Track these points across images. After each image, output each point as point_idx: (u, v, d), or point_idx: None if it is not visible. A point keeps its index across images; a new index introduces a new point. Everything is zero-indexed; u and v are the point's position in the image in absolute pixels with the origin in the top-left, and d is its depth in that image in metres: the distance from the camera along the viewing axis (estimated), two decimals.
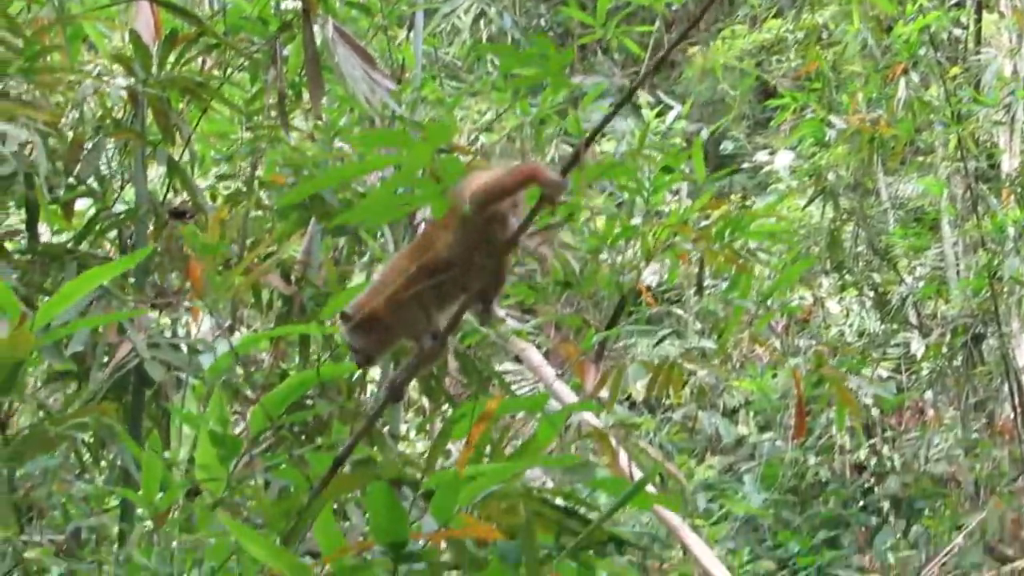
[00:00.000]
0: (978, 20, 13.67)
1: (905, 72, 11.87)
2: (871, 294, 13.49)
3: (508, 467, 3.59)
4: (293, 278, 5.98)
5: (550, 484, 4.51)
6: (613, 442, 5.44)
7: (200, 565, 3.90)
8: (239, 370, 5.59)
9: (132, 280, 5.79)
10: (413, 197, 3.37)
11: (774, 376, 12.31)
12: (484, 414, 3.79)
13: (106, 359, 5.60)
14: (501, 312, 3.50)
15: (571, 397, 6.85)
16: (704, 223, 7.11)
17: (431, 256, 3.54)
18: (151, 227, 5.95)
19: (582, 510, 3.85)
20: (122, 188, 6.43)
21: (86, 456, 5.41)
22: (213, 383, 4.18)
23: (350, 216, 5.13)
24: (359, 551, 3.32)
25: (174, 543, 3.94)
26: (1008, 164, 12.74)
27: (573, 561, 3.74)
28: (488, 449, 4.00)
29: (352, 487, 3.55)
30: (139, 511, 5.06)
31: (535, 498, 3.74)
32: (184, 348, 5.57)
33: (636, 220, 6.94)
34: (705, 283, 8.32)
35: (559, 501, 3.85)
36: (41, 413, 4.62)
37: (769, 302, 7.41)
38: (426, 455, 3.85)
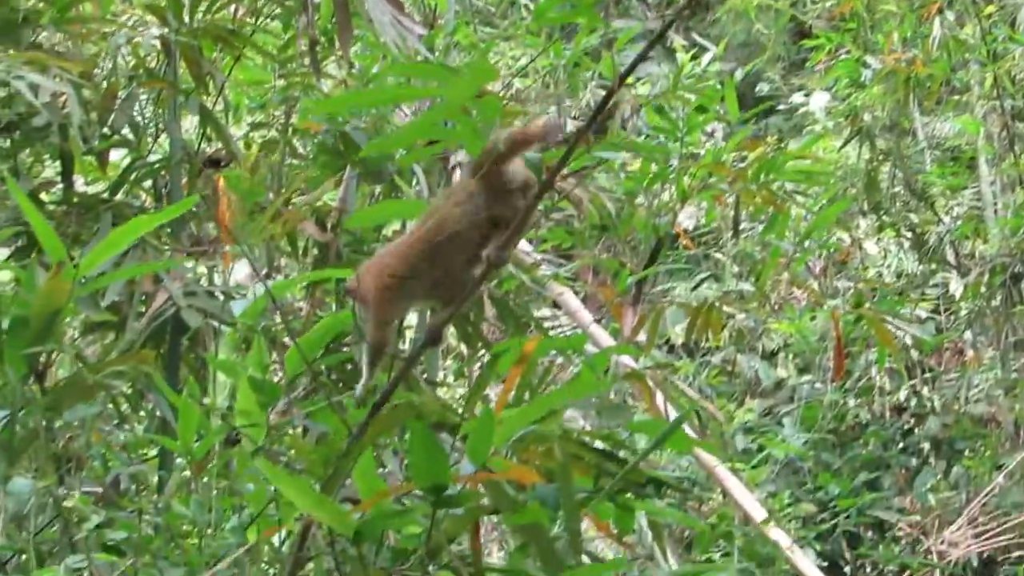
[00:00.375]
0: None
1: (940, 11, 11.73)
2: (909, 235, 13.38)
3: (546, 402, 3.53)
4: (329, 225, 5.93)
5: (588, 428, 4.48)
6: (651, 384, 5.38)
7: (239, 512, 3.88)
8: (276, 319, 5.56)
9: (168, 229, 5.77)
10: (449, 131, 3.32)
11: (812, 318, 12.22)
12: (523, 354, 3.75)
13: (142, 309, 5.59)
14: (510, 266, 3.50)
15: (609, 341, 6.79)
16: (740, 165, 7.04)
17: (436, 226, 3.52)
18: (186, 176, 5.92)
19: (620, 453, 3.81)
20: (156, 138, 6.40)
21: (124, 406, 5.39)
22: (248, 328, 4.14)
23: (384, 144, 5.08)
24: (398, 495, 3.29)
25: (212, 491, 3.93)
26: None
27: (612, 503, 3.71)
28: (527, 396, 3.96)
29: (392, 428, 3.51)
30: (177, 460, 5.07)
31: (573, 440, 3.70)
32: (220, 296, 5.55)
33: (671, 162, 6.86)
34: (742, 225, 8.22)
35: (597, 444, 3.80)
36: (78, 364, 4.59)
37: (807, 243, 7.36)
38: (464, 400, 3.82)
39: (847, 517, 11.67)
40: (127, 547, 3.73)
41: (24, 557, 4.25)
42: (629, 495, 3.76)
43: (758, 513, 8.34)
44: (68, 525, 4.69)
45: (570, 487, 3.34)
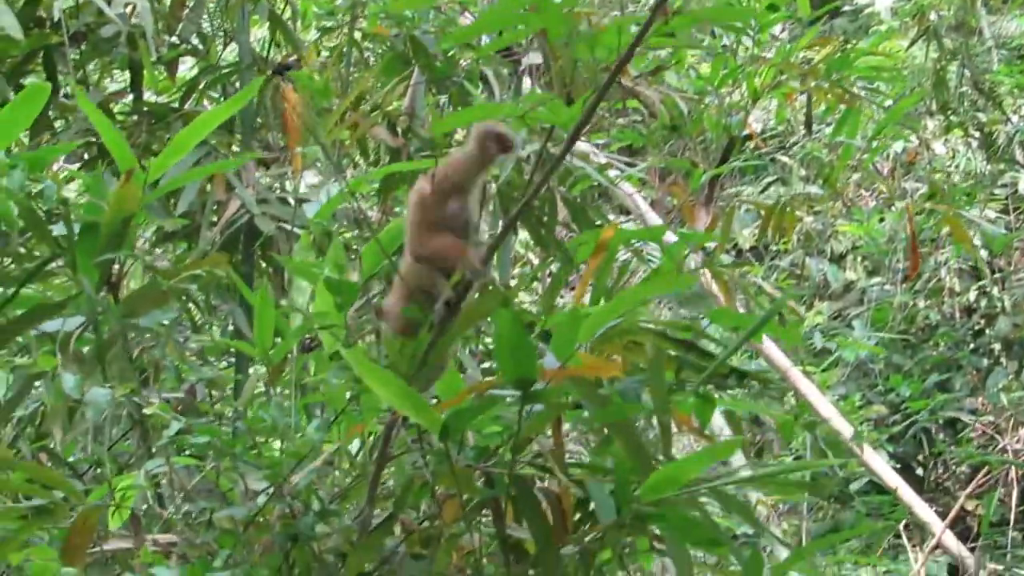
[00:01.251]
0: None
1: None
2: (976, 134, 13.09)
3: (631, 296, 3.42)
4: (399, 130, 5.81)
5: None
6: (729, 281, 5.24)
7: (319, 416, 3.80)
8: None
9: (238, 137, 5.67)
10: (527, 17, 3.19)
11: (881, 220, 12.04)
12: (601, 244, 3.64)
13: (214, 219, 5.52)
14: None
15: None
16: (808, 65, 6.87)
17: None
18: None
19: (700, 344, 3.70)
20: (225, 46, 6.29)
21: (197, 316, 5.33)
22: (322, 231, 4.04)
23: (455, 37, 4.94)
24: (481, 391, 3.18)
25: (290, 395, 3.85)
26: None
27: (693, 396, 3.61)
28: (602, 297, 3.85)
29: (479, 317, 3.40)
30: (252, 369, 5.00)
31: (655, 332, 3.58)
32: (292, 202, 5.46)
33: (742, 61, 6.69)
34: (813, 124, 8.05)
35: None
36: (151, 275, 4.51)
37: (875, 143, 7.21)
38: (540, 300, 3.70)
39: (919, 419, 11.53)
40: (207, 452, 3.65)
41: (99, 470, 4.21)
42: (710, 387, 3.66)
43: (830, 412, 8.23)
44: (146, 433, 4.64)
45: (661, 379, 3.24)
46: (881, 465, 8.80)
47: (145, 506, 4.10)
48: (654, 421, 3.51)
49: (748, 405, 4.00)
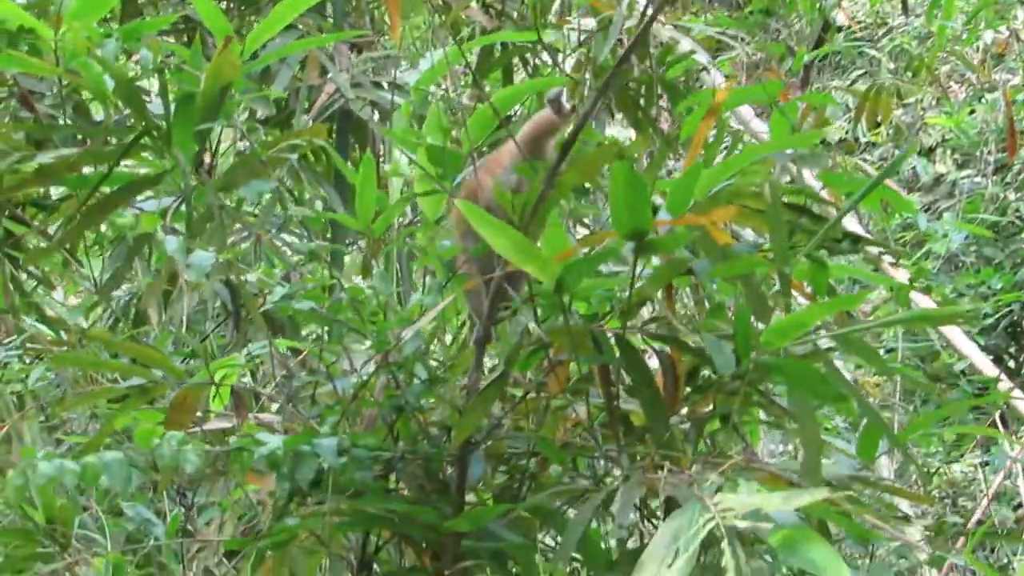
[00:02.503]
0: None
1: None
2: None
3: (746, 154, 3.23)
4: (492, 12, 5.62)
5: None
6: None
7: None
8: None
9: (330, 22, 5.50)
10: None
11: (971, 112, 11.70)
12: (711, 108, 3.44)
13: (308, 105, 5.38)
14: None
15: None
16: None
17: None
18: None
19: (814, 208, 3.51)
20: None
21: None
22: (422, 96, 3.86)
23: None
24: (593, 244, 3.01)
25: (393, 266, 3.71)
26: None
27: (806, 260, 3.42)
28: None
29: (593, 170, 3.23)
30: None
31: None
32: (386, 86, 5.31)
33: None
34: (896, 21, 7.80)
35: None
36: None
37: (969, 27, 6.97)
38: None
39: (1010, 311, 11.23)
40: (311, 320, 3.51)
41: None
42: (823, 251, 3.48)
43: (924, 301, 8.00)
44: (240, 320, 4.52)
45: (781, 230, 3.05)
46: (977, 355, 8.56)
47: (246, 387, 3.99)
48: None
49: (863, 272, 3.81)
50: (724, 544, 2.39)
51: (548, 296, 3.18)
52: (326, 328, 3.57)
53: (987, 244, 11.70)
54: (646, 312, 3.81)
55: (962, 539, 6.19)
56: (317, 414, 3.50)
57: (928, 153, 12.54)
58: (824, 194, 3.63)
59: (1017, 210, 11.86)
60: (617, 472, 3.33)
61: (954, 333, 8.57)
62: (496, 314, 3.25)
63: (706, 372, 3.59)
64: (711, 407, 3.52)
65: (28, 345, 4.61)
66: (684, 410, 3.58)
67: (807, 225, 3.46)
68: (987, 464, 10.09)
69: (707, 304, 3.74)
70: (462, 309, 3.52)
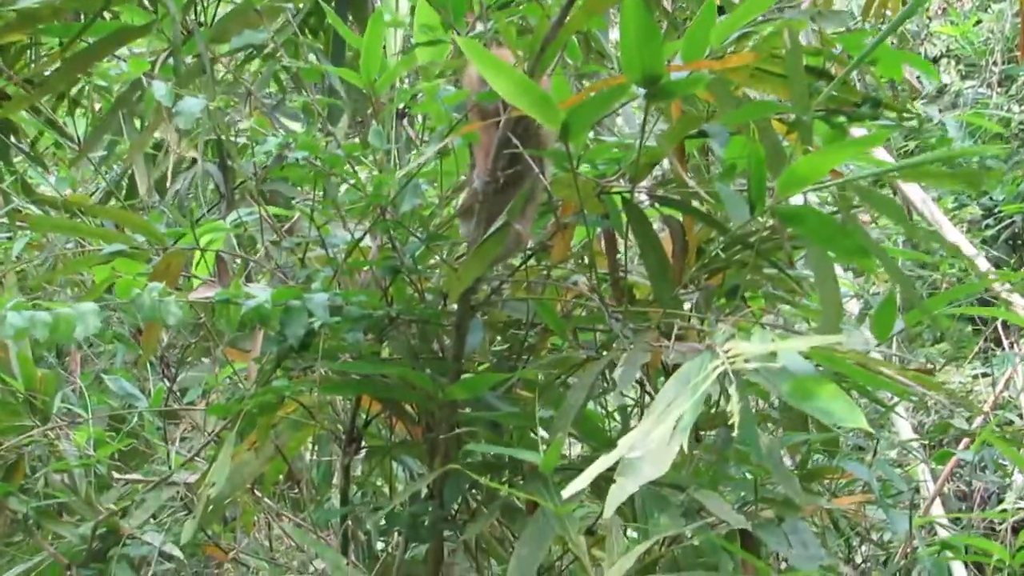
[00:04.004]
0: None
1: None
2: None
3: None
4: None
5: None
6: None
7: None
8: None
9: None
10: None
11: (978, 23, 11.45)
12: None
13: None
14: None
15: None
16: None
17: None
18: None
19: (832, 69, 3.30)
20: None
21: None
22: None
23: None
24: (600, 88, 2.79)
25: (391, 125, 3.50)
26: None
27: (824, 123, 3.21)
28: None
29: (600, 6, 3.00)
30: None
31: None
32: None
33: None
34: None
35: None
36: None
37: None
38: None
39: (1012, 223, 11.04)
40: (303, 180, 3.31)
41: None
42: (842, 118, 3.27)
43: (930, 210, 7.82)
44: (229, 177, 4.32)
45: (800, 74, 2.84)
46: (982, 261, 8.38)
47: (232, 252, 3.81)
48: None
49: (885, 133, 3.59)
50: (732, 388, 2.22)
51: (554, 153, 2.99)
52: (320, 189, 3.38)
53: (991, 156, 11.48)
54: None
55: (965, 440, 6.05)
56: (306, 277, 3.30)
57: (933, 63, 12.30)
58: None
59: (1021, 122, 11.66)
60: (619, 346, 3.14)
61: (960, 240, 8.37)
62: (501, 161, 3.02)
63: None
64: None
65: (17, 224, 4.44)
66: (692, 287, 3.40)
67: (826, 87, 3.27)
68: (986, 375, 9.94)
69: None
70: (463, 165, 3.31)
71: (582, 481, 2.32)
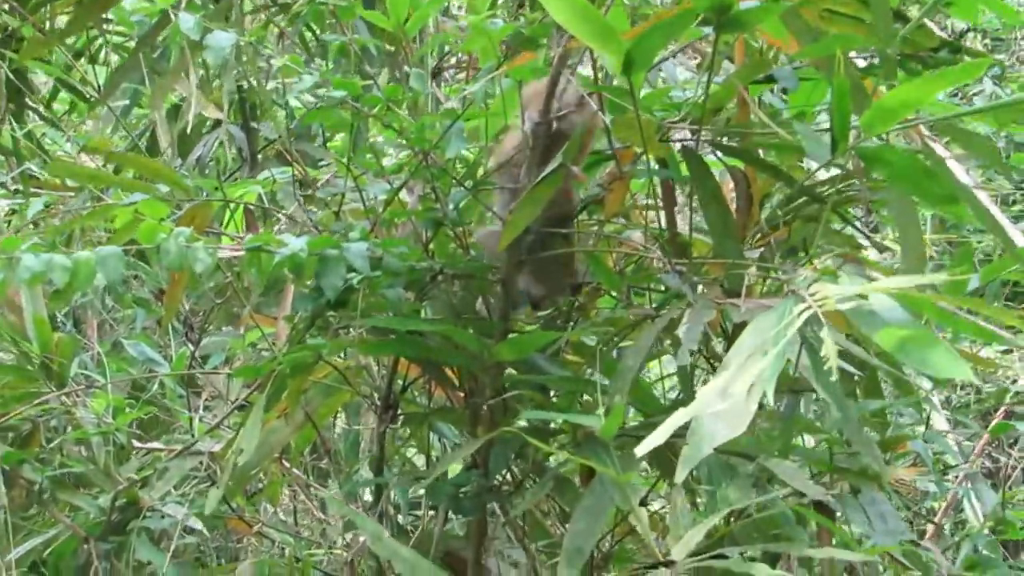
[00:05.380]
0: None
1: None
2: None
3: None
4: None
5: None
6: None
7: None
8: None
9: None
10: None
11: None
12: None
13: None
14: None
15: None
16: None
17: None
18: None
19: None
20: None
21: None
22: None
23: None
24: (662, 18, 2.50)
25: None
26: None
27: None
28: None
29: None
30: None
31: None
32: None
33: None
34: None
35: None
36: None
37: None
38: None
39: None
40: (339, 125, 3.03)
41: None
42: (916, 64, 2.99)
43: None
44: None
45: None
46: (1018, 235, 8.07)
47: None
48: None
49: (984, 62, 3.29)
50: (823, 332, 1.93)
51: (613, 90, 2.70)
52: (354, 136, 3.10)
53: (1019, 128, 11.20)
54: None
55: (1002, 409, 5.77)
56: (342, 229, 3.01)
57: (959, 38, 11.99)
58: None
59: None
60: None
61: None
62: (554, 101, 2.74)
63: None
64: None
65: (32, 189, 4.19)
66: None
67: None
68: (1010, 352, 9.66)
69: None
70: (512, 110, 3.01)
71: (654, 440, 2.03)
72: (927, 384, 4.39)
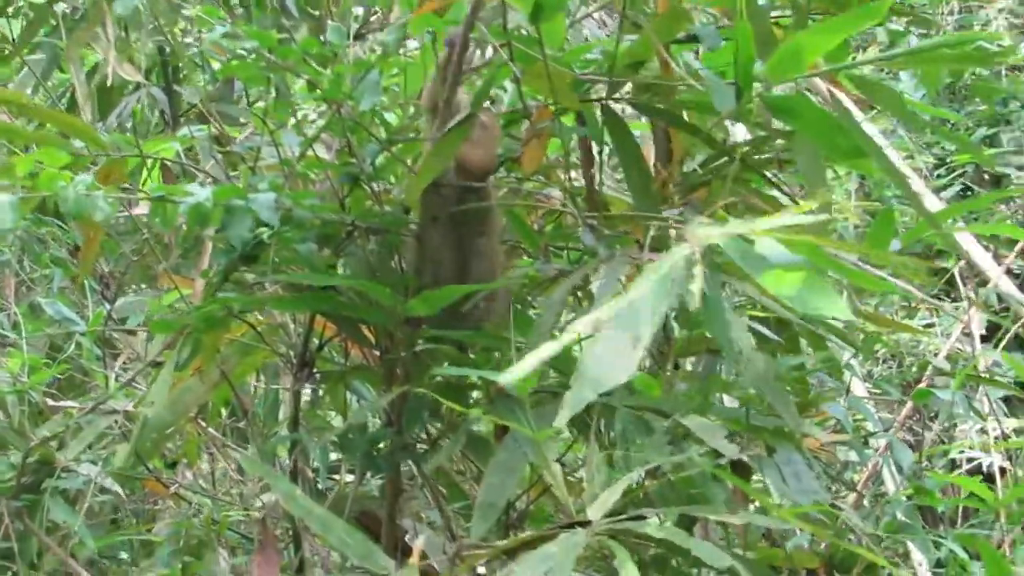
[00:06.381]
0: None
1: None
2: None
3: None
4: None
5: None
6: None
7: None
8: None
9: None
10: None
11: None
12: None
13: None
14: None
15: None
16: None
17: None
18: None
19: None
20: None
21: None
22: None
23: None
24: None
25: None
26: None
27: None
28: None
29: None
30: None
31: None
32: None
33: None
34: None
35: None
36: None
37: None
38: None
39: (964, 172, 10.78)
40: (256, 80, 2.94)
41: None
42: None
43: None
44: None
45: None
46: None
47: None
48: None
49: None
50: (696, 269, 1.85)
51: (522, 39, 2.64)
52: (272, 89, 3.02)
53: (943, 104, 11.25)
54: None
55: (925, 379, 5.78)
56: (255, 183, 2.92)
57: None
58: None
59: (974, 71, 11.40)
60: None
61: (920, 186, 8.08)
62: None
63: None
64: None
65: None
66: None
67: None
68: (932, 326, 9.70)
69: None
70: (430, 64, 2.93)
71: (524, 366, 1.92)
72: (847, 354, 4.37)
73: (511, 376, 2.36)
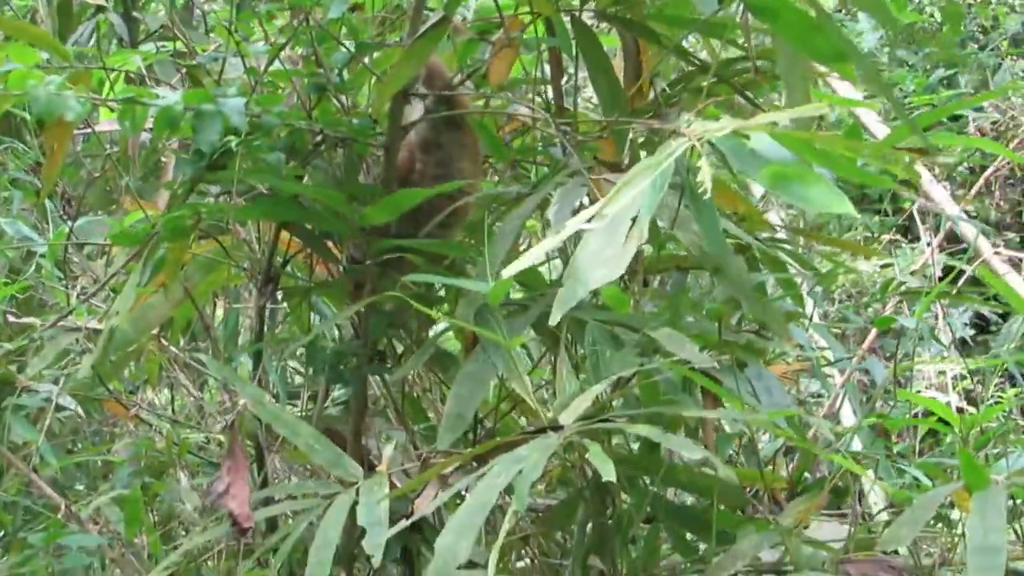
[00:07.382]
0: None
1: None
2: None
3: None
4: None
5: None
6: None
7: None
8: None
9: None
10: None
11: None
12: None
13: None
14: None
15: None
16: None
17: None
18: None
19: None
20: None
21: None
22: None
23: None
24: None
25: None
26: None
27: None
28: None
29: None
30: None
31: None
32: None
33: None
34: None
35: None
36: None
37: None
38: None
39: (922, 113, 10.79)
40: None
41: None
42: None
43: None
44: None
45: None
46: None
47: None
48: None
49: None
50: (701, 161, 1.84)
51: None
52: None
53: (901, 46, 11.23)
54: None
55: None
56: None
57: None
58: None
59: (932, 14, 11.38)
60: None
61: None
62: None
63: None
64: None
65: None
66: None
67: None
68: (889, 266, 9.71)
69: None
70: None
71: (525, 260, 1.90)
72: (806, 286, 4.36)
73: (483, 285, 2.35)
